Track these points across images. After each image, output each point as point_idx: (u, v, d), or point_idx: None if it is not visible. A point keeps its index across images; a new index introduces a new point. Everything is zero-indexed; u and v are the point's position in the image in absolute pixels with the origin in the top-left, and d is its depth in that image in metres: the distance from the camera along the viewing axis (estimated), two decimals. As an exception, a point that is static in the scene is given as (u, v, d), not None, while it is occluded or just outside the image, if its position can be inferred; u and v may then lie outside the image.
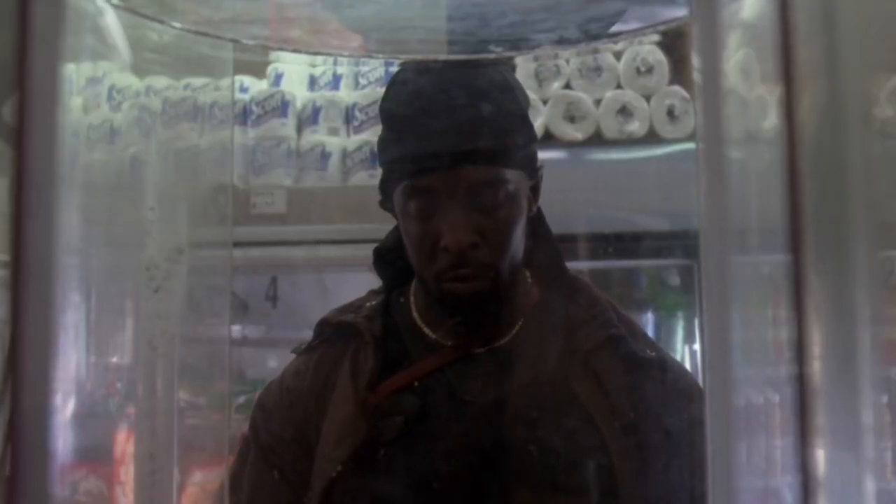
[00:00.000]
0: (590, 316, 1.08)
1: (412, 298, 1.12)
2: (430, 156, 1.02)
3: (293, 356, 1.16)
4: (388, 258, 1.13)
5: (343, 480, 1.02)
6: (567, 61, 2.38)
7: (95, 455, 1.20)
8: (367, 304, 1.13)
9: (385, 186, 1.09)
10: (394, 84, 1.09)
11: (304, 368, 1.12)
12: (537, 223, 1.11)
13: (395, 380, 1.05)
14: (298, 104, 2.54)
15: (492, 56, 1.04)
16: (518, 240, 1.05)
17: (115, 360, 1.11)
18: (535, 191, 1.09)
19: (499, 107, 1.04)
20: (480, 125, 1.02)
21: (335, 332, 1.11)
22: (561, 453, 1.02)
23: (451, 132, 1.02)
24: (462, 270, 1.02)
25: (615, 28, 1.03)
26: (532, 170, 1.08)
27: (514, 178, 1.04)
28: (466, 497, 1.01)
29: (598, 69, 2.41)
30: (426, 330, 1.09)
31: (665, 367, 1.09)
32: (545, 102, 2.35)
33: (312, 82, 2.62)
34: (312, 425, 1.08)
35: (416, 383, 1.05)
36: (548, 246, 1.12)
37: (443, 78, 1.04)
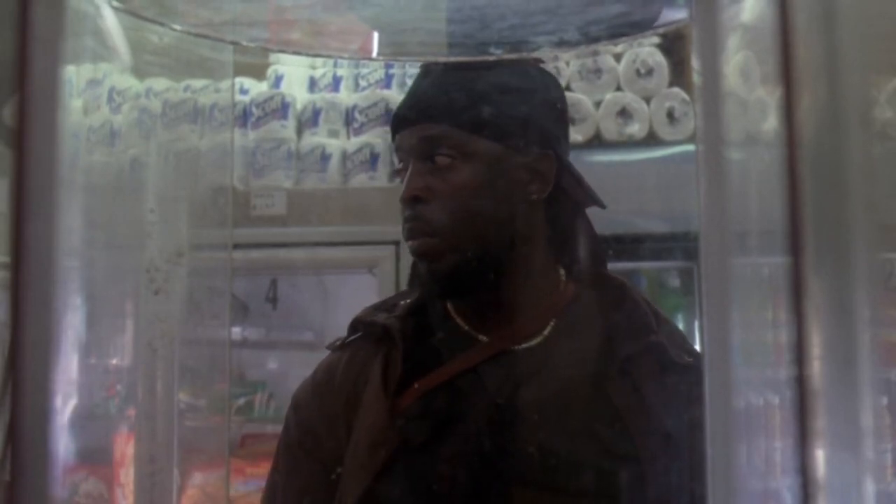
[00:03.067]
0: (628, 320, 1.07)
1: None
2: (399, 116, 1.09)
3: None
4: None
5: (377, 487, 1.02)
6: (567, 63, 2.39)
7: (95, 457, 1.20)
8: (403, 302, 1.12)
9: None
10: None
11: (335, 365, 1.11)
12: (578, 220, 1.10)
13: (425, 381, 1.05)
14: (298, 106, 2.55)
15: (512, 56, 1.05)
16: (493, 212, 1.05)
17: (115, 362, 1.11)
18: (538, 174, 1.07)
19: (480, 81, 1.07)
20: (448, 93, 1.06)
21: (367, 331, 1.11)
22: (590, 459, 1.01)
23: (417, 98, 1.08)
24: (408, 223, 1.04)
25: (616, 30, 1.03)
26: (520, 147, 1.06)
27: (481, 144, 1.04)
28: (493, 501, 1.01)
29: (597, 71, 2.41)
30: (459, 320, 1.09)
31: (703, 374, 1.07)
32: (545, 104, 2.35)
33: (312, 84, 2.63)
34: (343, 422, 1.07)
35: (449, 384, 1.05)
36: (587, 245, 1.11)
37: (442, 68, 1.08)
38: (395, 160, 1.10)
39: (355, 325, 1.12)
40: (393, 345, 1.07)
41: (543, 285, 1.09)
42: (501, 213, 1.06)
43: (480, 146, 1.04)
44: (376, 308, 1.13)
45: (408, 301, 1.12)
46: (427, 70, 1.10)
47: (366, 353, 1.09)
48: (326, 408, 1.09)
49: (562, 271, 1.10)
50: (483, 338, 1.07)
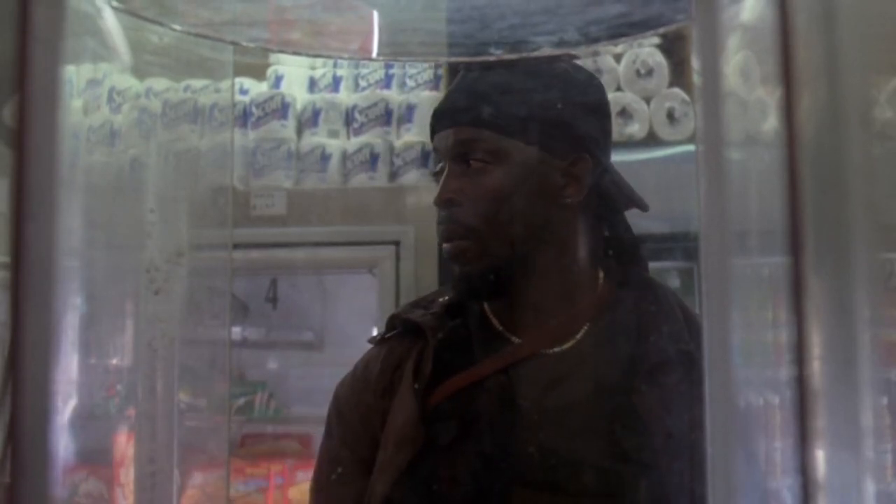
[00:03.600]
0: (660, 328, 1.06)
1: None
2: (436, 117, 1.10)
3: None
4: None
5: (403, 485, 1.02)
6: (567, 63, 2.38)
7: (95, 457, 1.20)
8: (440, 300, 1.12)
9: None
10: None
11: (373, 361, 1.12)
12: (616, 223, 1.11)
13: (455, 381, 1.05)
14: (298, 106, 2.55)
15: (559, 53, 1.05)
16: (526, 215, 1.05)
17: (115, 362, 1.11)
18: (573, 177, 1.06)
19: (516, 83, 1.07)
20: (485, 94, 1.06)
21: (404, 328, 1.11)
22: (613, 466, 1.01)
23: (455, 99, 1.09)
24: (442, 225, 1.06)
25: (616, 30, 1.03)
26: (555, 150, 1.06)
27: (515, 147, 1.05)
28: (513, 502, 1.01)
29: (597, 72, 2.41)
30: (495, 323, 1.09)
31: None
32: (545, 104, 2.35)
33: (312, 84, 2.63)
34: (377, 414, 1.08)
35: (478, 385, 1.05)
36: (626, 247, 1.11)
37: (479, 69, 1.08)
38: (433, 161, 1.12)
39: (393, 322, 1.13)
40: (426, 342, 1.08)
41: (579, 288, 1.09)
42: (534, 216, 1.06)
43: (514, 149, 1.05)
44: (414, 304, 1.14)
45: (445, 299, 1.12)
46: (466, 70, 1.11)
47: (402, 349, 1.10)
48: (363, 401, 1.11)
49: (601, 274, 1.10)
50: (516, 339, 1.07)
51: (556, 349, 1.06)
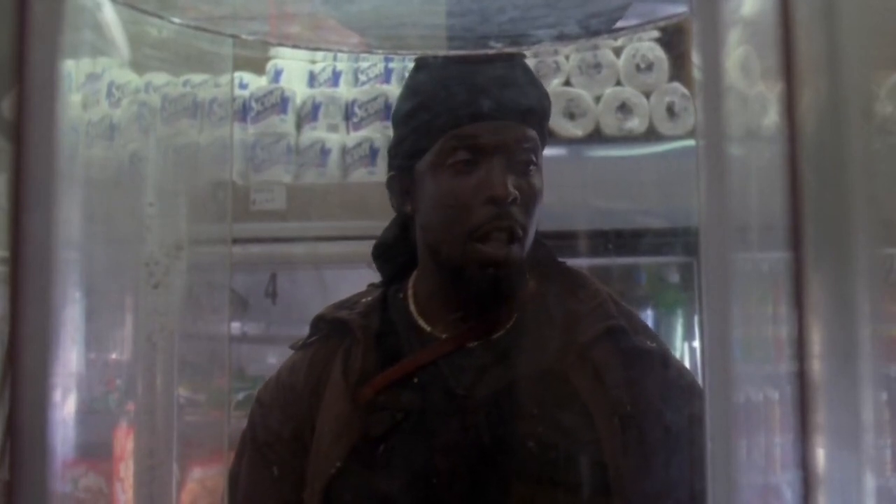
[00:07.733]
0: (588, 308, 1.07)
1: (410, 292, 1.12)
2: (485, 105, 1.02)
3: (291, 352, 1.17)
4: (389, 253, 1.13)
5: (342, 478, 1.02)
6: (567, 58, 2.38)
7: (95, 451, 1.20)
8: (364, 300, 1.13)
9: (412, 150, 1.07)
10: (419, 68, 1.09)
11: (299, 365, 1.12)
12: None
13: (387, 374, 1.05)
14: (298, 101, 2.54)
15: (508, 51, 1.04)
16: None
17: (114, 356, 1.11)
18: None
19: (534, 84, 1.07)
20: (526, 91, 1.04)
21: (330, 328, 1.11)
22: (557, 447, 1.02)
23: (500, 89, 1.02)
24: (504, 222, 0.99)
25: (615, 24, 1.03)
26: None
27: (541, 150, 1.06)
28: (463, 490, 1.01)
29: (597, 66, 2.41)
30: (422, 323, 1.09)
31: (664, 358, 1.09)
32: (545, 99, 2.35)
33: (312, 79, 2.62)
34: (307, 422, 1.08)
35: (410, 378, 1.05)
36: (540, 240, 1.12)
37: (467, 63, 1.05)
38: (450, 150, 1.02)
39: (317, 324, 1.13)
40: (354, 340, 1.08)
41: (514, 284, 1.09)
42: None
43: (541, 150, 1.05)
44: (338, 306, 1.14)
45: (369, 299, 1.12)
46: (482, 62, 1.04)
47: (327, 351, 1.10)
48: (291, 410, 1.10)
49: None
50: (444, 336, 1.08)
51: (490, 337, 1.07)
